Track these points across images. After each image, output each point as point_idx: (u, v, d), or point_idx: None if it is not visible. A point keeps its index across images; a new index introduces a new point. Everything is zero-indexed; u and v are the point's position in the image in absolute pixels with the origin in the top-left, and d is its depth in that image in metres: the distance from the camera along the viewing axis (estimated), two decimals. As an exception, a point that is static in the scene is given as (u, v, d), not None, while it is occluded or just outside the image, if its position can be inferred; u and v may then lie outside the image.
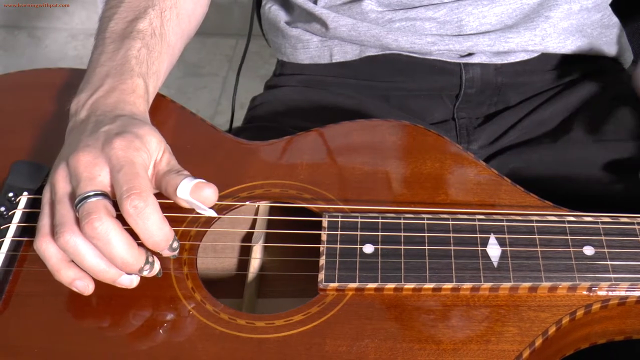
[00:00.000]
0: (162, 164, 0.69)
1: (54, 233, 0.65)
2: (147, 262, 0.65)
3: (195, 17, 0.88)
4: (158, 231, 0.64)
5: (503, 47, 0.90)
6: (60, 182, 0.67)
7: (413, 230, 0.68)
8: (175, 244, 0.66)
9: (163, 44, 0.80)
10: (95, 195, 0.64)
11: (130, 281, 0.66)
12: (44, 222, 0.66)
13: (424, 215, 0.69)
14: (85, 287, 0.66)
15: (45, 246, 0.65)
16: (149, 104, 0.77)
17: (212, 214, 0.68)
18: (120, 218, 0.64)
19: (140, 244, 0.65)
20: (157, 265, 0.66)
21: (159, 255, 0.67)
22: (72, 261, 0.65)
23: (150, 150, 0.68)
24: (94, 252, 0.64)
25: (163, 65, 0.80)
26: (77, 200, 0.64)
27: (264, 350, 0.63)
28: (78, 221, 0.64)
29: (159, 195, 0.68)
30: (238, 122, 1.01)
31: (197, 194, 0.66)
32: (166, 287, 0.67)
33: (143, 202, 0.63)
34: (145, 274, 0.66)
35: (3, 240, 0.71)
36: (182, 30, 0.84)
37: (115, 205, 0.65)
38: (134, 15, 0.80)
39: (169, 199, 0.68)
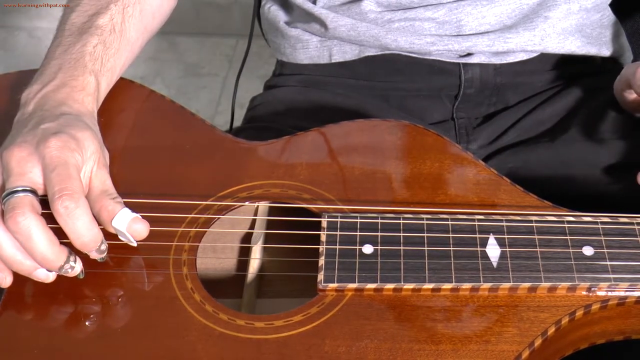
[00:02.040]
0: (97, 181, 0.69)
1: None
2: (67, 261, 0.66)
3: (161, 14, 0.88)
4: (87, 232, 0.65)
5: (502, 48, 0.89)
6: None
7: (412, 231, 0.68)
8: (103, 247, 0.67)
9: (122, 41, 0.81)
10: (23, 191, 0.65)
11: (47, 276, 0.67)
12: None
13: (423, 216, 0.69)
14: (3, 278, 0.66)
15: None
16: (99, 102, 0.78)
17: (135, 244, 0.69)
18: (50, 217, 0.65)
19: (65, 244, 0.65)
20: (78, 267, 0.67)
21: (84, 256, 0.67)
22: None
23: (85, 154, 0.69)
24: (12, 244, 0.64)
25: (120, 62, 0.81)
26: (4, 194, 0.65)
27: (263, 351, 0.63)
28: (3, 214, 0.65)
29: (154, 196, 0.68)
30: (238, 122, 1.01)
31: (131, 227, 0.67)
32: (166, 287, 0.67)
33: (74, 203, 0.64)
34: (67, 272, 0.66)
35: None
36: (144, 26, 0.85)
37: (44, 203, 0.66)
38: (96, 10, 0.80)
39: (164, 199, 0.69)
